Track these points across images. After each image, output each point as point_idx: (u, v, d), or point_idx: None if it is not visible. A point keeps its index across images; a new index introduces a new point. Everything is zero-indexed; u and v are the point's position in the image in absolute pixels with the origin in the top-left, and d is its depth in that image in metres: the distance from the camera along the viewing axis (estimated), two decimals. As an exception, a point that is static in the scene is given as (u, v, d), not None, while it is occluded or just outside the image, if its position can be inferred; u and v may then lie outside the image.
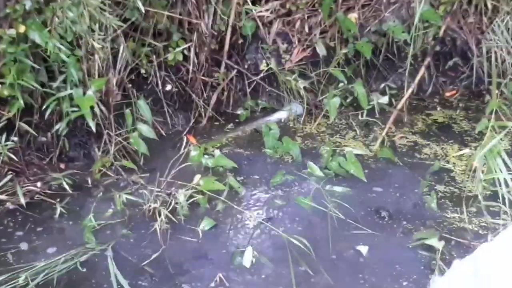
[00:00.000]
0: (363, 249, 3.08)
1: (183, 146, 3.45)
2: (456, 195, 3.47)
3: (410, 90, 4.15)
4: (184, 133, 4.07)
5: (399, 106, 4.07)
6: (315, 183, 3.50)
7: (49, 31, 3.40)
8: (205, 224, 3.25)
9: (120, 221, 3.29)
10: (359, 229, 3.21)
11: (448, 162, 3.78)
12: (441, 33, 4.33)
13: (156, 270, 2.97)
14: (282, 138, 3.94)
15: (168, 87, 4.19)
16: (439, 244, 3.00)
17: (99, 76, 3.71)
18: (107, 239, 3.16)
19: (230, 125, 4.29)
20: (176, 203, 3.28)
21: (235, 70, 4.37)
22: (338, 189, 3.45)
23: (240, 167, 3.76)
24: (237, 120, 4.35)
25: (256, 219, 3.23)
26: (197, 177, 3.46)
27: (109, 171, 3.67)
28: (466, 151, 3.80)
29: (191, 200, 3.35)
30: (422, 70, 4.21)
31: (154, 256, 3.04)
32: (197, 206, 3.38)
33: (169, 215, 3.25)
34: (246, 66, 4.44)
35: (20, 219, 3.34)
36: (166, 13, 3.97)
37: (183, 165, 3.47)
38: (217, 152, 3.75)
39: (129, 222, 3.28)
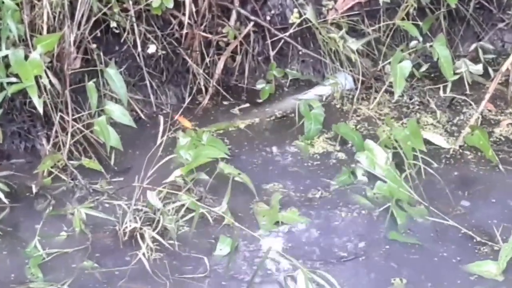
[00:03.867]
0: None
1: (161, 130, 3.44)
2: None
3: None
4: (176, 117, 4.07)
5: (499, 77, 4.03)
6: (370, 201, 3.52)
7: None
8: (221, 246, 3.25)
9: (80, 248, 3.27)
10: (448, 265, 3.17)
11: None
12: None
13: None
14: (337, 125, 3.96)
15: (152, 49, 4.19)
16: None
17: (48, 32, 3.71)
18: (61, 275, 3.12)
19: (244, 106, 4.30)
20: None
21: (252, 24, 4.36)
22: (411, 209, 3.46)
23: (257, 170, 3.78)
24: (255, 99, 4.36)
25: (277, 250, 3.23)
26: (176, 172, 3.48)
27: (62, 174, 3.65)
28: None
29: (186, 216, 3.35)
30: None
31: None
32: (197, 224, 3.36)
33: (158, 237, 3.23)
34: (268, 18, 4.44)
35: None
36: None
37: (167, 158, 3.45)
38: (205, 137, 3.77)
39: (94, 250, 3.26)
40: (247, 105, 4.33)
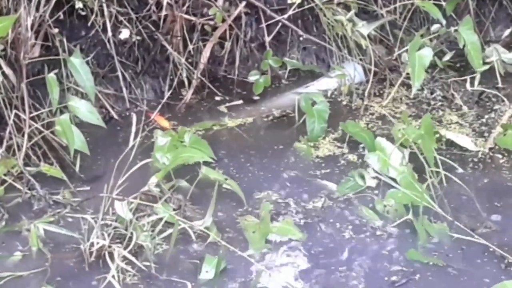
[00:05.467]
0: None
1: (133, 131, 3.41)
2: None
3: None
4: (152, 116, 4.07)
5: None
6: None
7: None
8: (207, 268, 3.22)
9: (37, 271, 3.24)
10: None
11: None
12: None
13: None
14: (345, 123, 3.96)
15: (125, 34, 4.21)
16: None
17: (1, 14, 3.72)
18: None
19: (235, 103, 4.33)
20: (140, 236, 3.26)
21: (244, 4, 4.38)
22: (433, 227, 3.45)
23: (249, 176, 3.79)
24: (247, 94, 4.39)
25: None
26: (152, 180, 3.47)
27: (17, 183, 3.64)
28: None
29: (165, 232, 3.33)
30: None
31: None
32: (178, 241, 3.36)
33: (131, 257, 3.20)
34: None
35: None
36: None
37: (141, 163, 3.40)
38: (187, 137, 3.77)
39: (55, 273, 3.24)
40: (239, 102, 4.38)
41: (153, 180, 3.47)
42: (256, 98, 4.38)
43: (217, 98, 4.38)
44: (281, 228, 3.42)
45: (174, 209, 3.41)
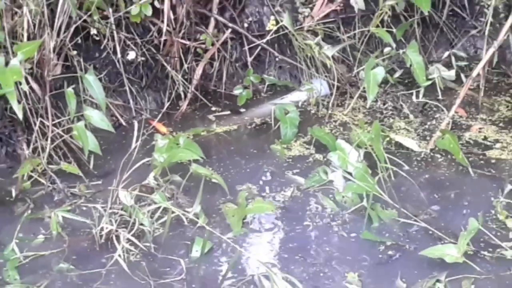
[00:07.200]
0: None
1: (135, 135, 3.42)
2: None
3: (486, 58, 4.04)
4: (153, 123, 4.09)
5: (470, 82, 4.00)
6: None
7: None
8: (197, 248, 3.23)
9: (56, 251, 3.25)
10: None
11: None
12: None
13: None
14: (312, 128, 3.96)
15: (131, 55, 4.21)
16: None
17: (29, 39, 3.70)
18: (38, 278, 3.10)
19: (222, 112, 4.32)
20: (141, 224, 3.26)
21: (230, 31, 4.38)
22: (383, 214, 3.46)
23: (232, 172, 3.79)
24: (233, 104, 4.37)
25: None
26: (151, 174, 3.47)
27: (42, 178, 3.64)
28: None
29: (163, 218, 3.34)
30: (505, 31, 4.10)
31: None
32: (173, 225, 3.37)
33: (133, 239, 3.22)
34: (246, 25, 4.47)
35: None
36: None
37: (142, 161, 3.41)
38: (181, 140, 3.75)
39: (71, 252, 3.25)
40: (227, 112, 4.36)
41: (152, 175, 3.45)
42: (240, 108, 4.36)
43: (209, 109, 4.36)
44: (255, 207, 3.43)
45: (169, 198, 3.40)
